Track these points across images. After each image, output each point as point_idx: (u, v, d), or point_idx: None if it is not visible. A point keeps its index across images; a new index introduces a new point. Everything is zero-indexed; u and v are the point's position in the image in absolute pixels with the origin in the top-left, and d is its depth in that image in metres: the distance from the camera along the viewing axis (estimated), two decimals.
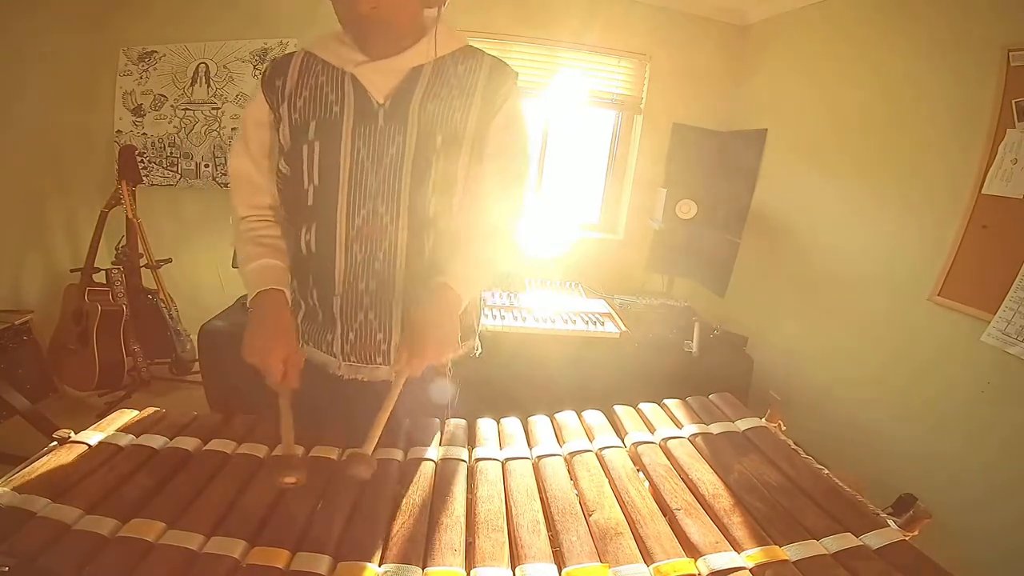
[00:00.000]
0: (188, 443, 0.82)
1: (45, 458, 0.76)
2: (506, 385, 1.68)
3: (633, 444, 0.88)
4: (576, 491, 0.77)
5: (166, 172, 2.77)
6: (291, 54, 0.93)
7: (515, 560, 0.63)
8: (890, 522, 0.69)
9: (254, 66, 2.67)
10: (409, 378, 0.79)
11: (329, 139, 0.88)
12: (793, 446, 0.87)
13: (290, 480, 0.68)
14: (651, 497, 0.75)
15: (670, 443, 0.88)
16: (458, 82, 0.89)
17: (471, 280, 0.89)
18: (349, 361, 0.96)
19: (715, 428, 0.92)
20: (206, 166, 2.76)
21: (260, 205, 0.97)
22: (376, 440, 0.73)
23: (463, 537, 0.66)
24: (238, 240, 0.97)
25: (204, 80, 2.68)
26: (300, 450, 0.81)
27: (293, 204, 0.94)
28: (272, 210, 0.98)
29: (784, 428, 0.94)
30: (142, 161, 2.64)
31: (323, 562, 0.60)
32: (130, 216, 2.40)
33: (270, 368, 0.79)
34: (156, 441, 0.82)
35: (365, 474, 0.70)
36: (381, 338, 0.94)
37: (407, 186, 0.88)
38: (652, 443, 0.89)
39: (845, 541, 0.66)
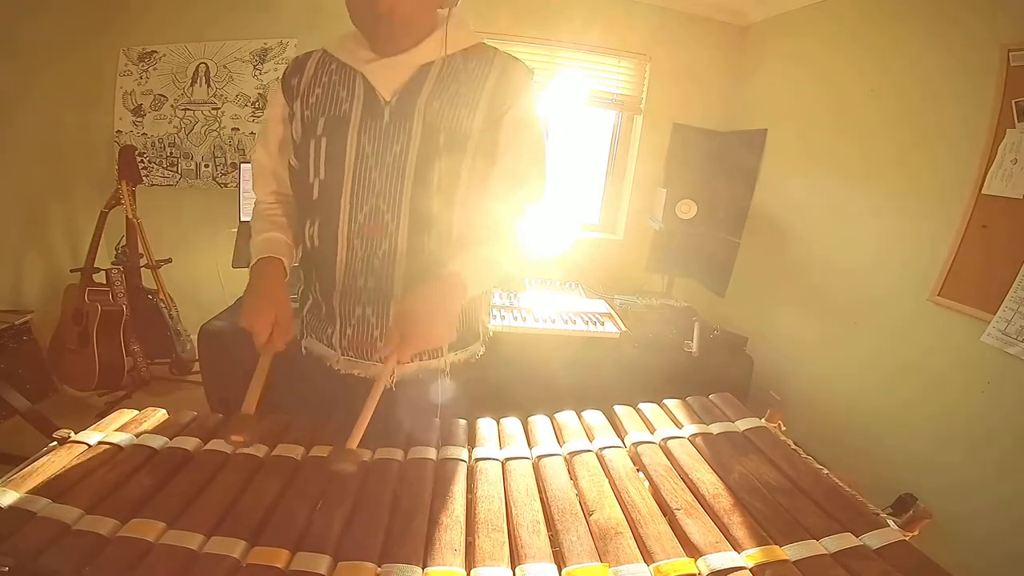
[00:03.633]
0: (188, 443, 0.82)
1: (45, 458, 0.76)
2: (506, 385, 1.67)
3: (633, 444, 0.88)
4: (576, 491, 0.77)
5: (166, 172, 2.77)
6: (310, 53, 0.95)
7: (515, 560, 0.63)
8: (890, 522, 0.69)
9: (254, 66, 2.67)
10: (399, 370, 0.79)
11: (336, 135, 0.88)
12: (793, 446, 0.87)
13: (238, 439, 0.69)
14: (651, 497, 0.75)
15: (670, 443, 0.88)
16: (467, 79, 0.89)
17: (479, 274, 0.88)
18: (347, 355, 0.98)
19: (715, 428, 0.92)
20: (206, 166, 2.76)
21: (278, 191, 1.01)
22: (360, 434, 0.72)
23: (463, 537, 0.66)
24: (253, 216, 1.01)
25: (204, 80, 2.68)
26: (296, 450, 0.81)
27: (300, 197, 0.96)
28: (280, 195, 1.01)
29: (784, 428, 0.94)
30: (142, 161, 2.64)
31: (323, 562, 0.60)
32: (130, 216, 2.40)
33: (257, 329, 0.81)
34: (156, 441, 0.82)
35: (349, 468, 0.69)
36: (378, 335, 0.95)
37: (409, 184, 0.88)
38: (652, 443, 0.89)
39: (845, 541, 0.66)
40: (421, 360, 0.97)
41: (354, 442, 0.71)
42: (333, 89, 0.90)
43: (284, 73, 0.95)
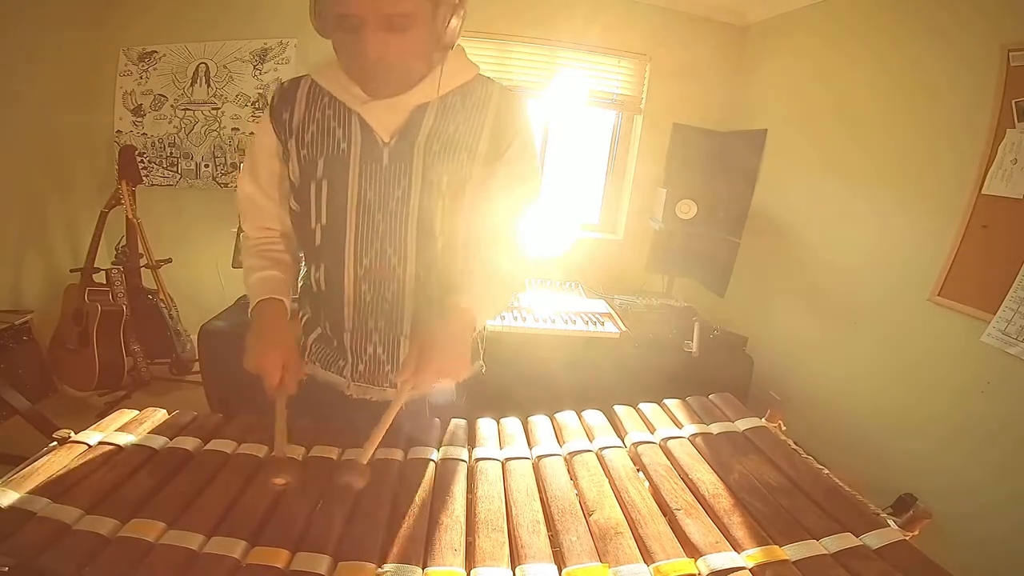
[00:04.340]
0: (188, 443, 0.82)
1: (45, 458, 0.76)
2: (506, 385, 1.67)
3: (633, 444, 0.88)
4: (576, 491, 0.77)
5: (166, 172, 2.77)
6: (297, 80, 0.92)
7: (515, 560, 0.63)
8: (890, 522, 0.69)
9: (254, 66, 2.67)
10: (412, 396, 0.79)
11: (336, 178, 0.86)
12: (793, 446, 0.87)
13: (280, 481, 0.69)
14: (651, 497, 0.75)
15: (670, 443, 0.88)
16: (465, 118, 0.87)
17: (486, 305, 0.88)
18: (358, 383, 0.98)
19: (715, 428, 0.92)
20: (206, 166, 2.76)
21: (269, 227, 0.98)
22: (372, 451, 0.73)
23: (463, 537, 0.66)
24: (244, 252, 0.99)
25: (204, 80, 2.68)
26: (297, 451, 0.81)
27: (303, 241, 0.94)
28: (280, 232, 0.99)
29: (784, 428, 0.94)
30: (142, 161, 2.64)
31: (323, 562, 0.60)
32: (130, 216, 2.40)
33: (268, 374, 0.80)
34: (156, 441, 0.82)
35: (358, 483, 0.69)
36: (389, 369, 0.96)
37: (414, 226, 0.87)
38: (652, 443, 0.89)
39: (845, 541, 0.66)
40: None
41: (364, 457, 0.72)
42: (328, 126, 0.87)
43: (272, 104, 0.92)
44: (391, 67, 0.79)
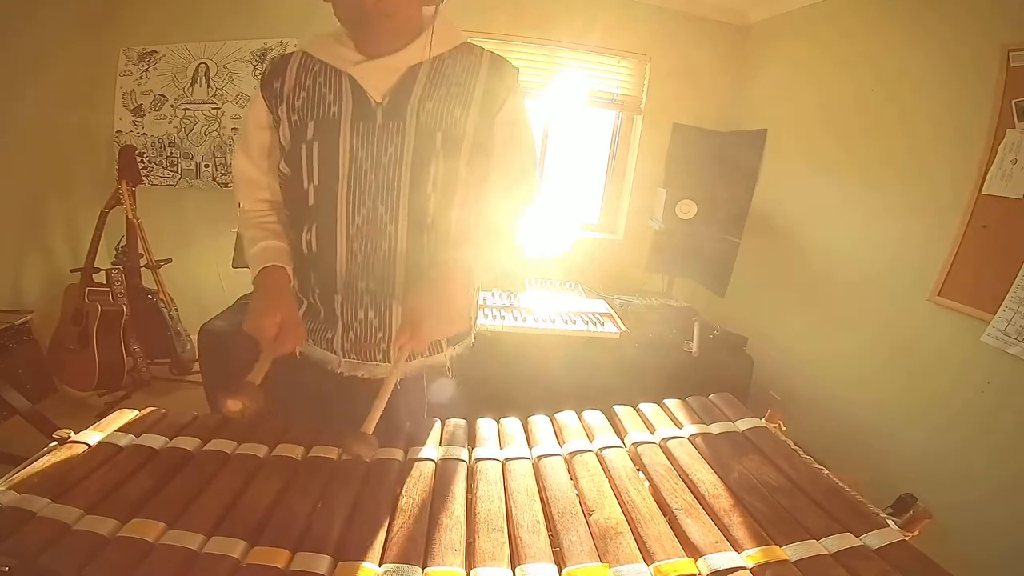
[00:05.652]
0: (188, 443, 0.82)
1: (45, 458, 0.76)
2: (506, 385, 1.67)
3: (633, 444, 0.88)
4: (576, 491, 0.77)
5: (166, 172, 2.77)
6: (289, 55, 0.93)
7: (515, 560, 0.63)
8: (890, 522, 0.69)
9: (254, 66, 2.67)
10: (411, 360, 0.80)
11: (328, 139, 0.87)
12: (793, 446, 0.87)
13: (235, 406, 0.71)
14: (651, 497, 0.75)
15: (670, 443, 0.88)
16: (457, 79, 0.89)
17: (478, 265, 0.88)
18: (349, 358, 0.98)
19: (715, 428, 0.92)
20: (206, 166, 2.76)
21: (262, 199, 1.00)
22: (376, 420, 0.74)
23: (463, 537, 0.66)
24: (242, 224, 1.00)
25: (204, 80, 2.68)
26: (296, 450, 0.81)
27: (294, 204, 0.95)
28: (273, 204, 1.00)
29: (784, 428, 0.94)
30: (142, 161, 2.64)
31: (323, 562, 0.60)
32: (130, 216, 2.40)
33: (264, 329, 0.82)
34: (156, 441, 0.82)
35: (367, 453, 0.71)
36: (381, 336, 0.96)
37: (406, 185, 0.88)
38: (652, 443, 0.89)
39: (845, 541, 0.66)
40: (423, 357, 0.97)
41: (369, 427, 0.73)
42: (319, 91, 0.88)
43: (263, 77, 0.93)
44: (387, 15, 0.81)
